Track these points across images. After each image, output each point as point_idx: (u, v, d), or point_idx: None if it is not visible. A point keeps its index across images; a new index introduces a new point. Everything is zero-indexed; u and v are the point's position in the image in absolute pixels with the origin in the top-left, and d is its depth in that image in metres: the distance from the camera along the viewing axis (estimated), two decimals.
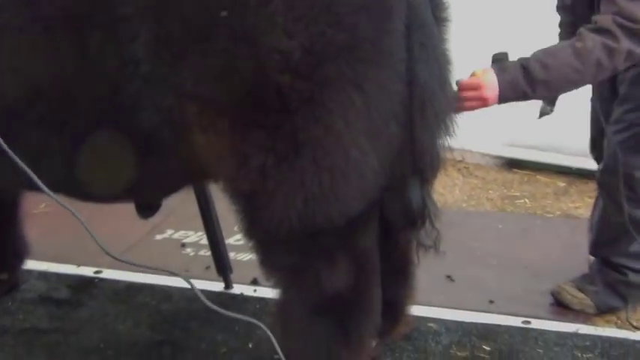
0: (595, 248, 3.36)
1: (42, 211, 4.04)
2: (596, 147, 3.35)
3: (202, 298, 2.28)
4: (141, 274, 3.36)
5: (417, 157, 2.41)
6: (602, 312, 3.27)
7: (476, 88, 2.60)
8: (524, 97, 2.65)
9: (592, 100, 3.27)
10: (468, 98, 2.60)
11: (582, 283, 3.34)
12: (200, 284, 3.38)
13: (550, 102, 3.20)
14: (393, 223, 2.55)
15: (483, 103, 2.62)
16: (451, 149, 2.47)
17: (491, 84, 2.59)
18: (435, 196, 2.66)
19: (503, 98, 2.62)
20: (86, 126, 2.36)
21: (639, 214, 3.09)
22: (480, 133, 4.66)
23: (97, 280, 3.40)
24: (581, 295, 3.30)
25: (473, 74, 2.63)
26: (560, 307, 3.32)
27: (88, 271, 3.42)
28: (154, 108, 2.26)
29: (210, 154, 2.31)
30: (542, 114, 3.24)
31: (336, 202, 2.29)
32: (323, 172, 2.24)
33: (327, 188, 2.26)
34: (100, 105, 2.32)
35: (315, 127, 2.20)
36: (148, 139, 2.32)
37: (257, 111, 2.21)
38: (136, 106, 2.27)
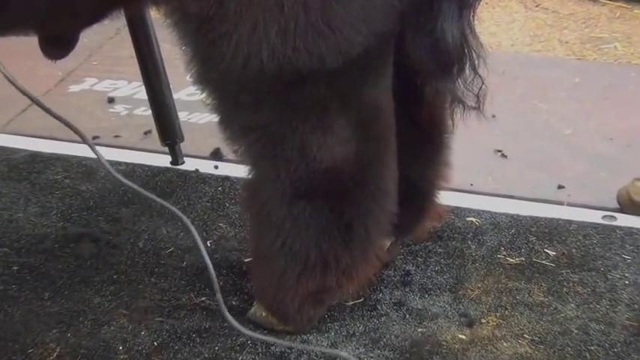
0: None
1: None
2: None
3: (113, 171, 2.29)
4: (48, 141, 3.33)
5: None
6: None
7: None
8: None
9: None
10: None
11: None
12: (136, 157, 3.37)
13: None
14: (419, 68, 2.51)
15: None
16: None
17: None
18: (485, 36, 2.62)
19: None
20: None
21: None
22: None
23: None
24: None
25: None
26: None
27: None
28: None
29: None
30: None
31: (328, 34, 2.24)
32: None
33: (316, 13, 2.21)
34: None
35: None
36: None
37: None
38: None
